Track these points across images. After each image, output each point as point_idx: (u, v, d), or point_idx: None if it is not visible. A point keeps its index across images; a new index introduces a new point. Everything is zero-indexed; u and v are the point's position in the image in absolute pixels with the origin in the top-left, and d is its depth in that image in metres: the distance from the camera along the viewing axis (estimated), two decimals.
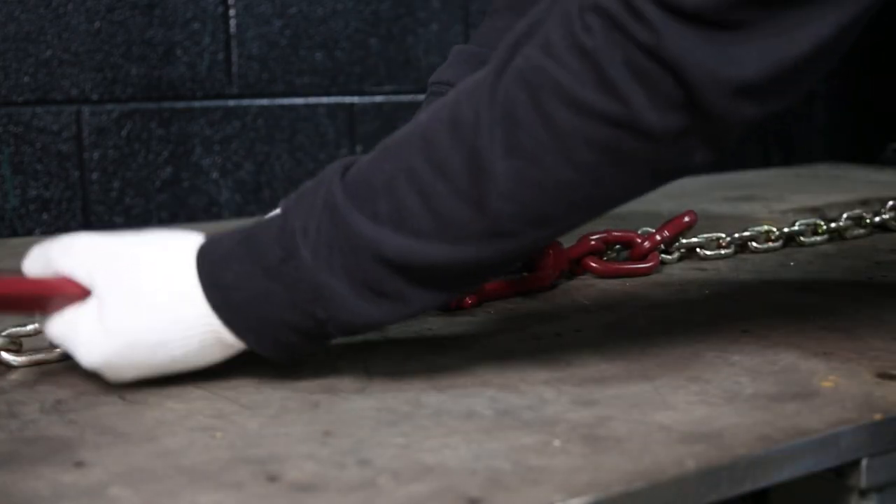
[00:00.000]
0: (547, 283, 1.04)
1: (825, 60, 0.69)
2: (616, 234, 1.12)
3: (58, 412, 0.71)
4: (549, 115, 0.68)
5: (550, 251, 1.05)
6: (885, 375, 0.77)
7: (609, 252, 1.13)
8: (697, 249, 1.19)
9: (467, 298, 0.97)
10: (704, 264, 1.18)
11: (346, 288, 0.71)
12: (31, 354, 0.81)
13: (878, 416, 0.70)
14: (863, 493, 0.71)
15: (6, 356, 0.80)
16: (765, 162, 2.27)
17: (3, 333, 0.81)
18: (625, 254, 1.14)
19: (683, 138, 0.68)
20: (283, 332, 0.73)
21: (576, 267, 1.09)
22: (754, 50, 0.66)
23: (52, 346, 0.81)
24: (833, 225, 1.30)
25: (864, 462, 0.70)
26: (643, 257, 1.12)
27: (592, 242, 1.10)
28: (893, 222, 1.36)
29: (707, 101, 0.66)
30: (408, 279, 0.72)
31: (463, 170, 0.69)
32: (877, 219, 1.34)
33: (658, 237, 1.13)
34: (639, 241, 1.12)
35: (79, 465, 0.62)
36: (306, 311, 0.72)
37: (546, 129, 0.68)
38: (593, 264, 1.09)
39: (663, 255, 1.15)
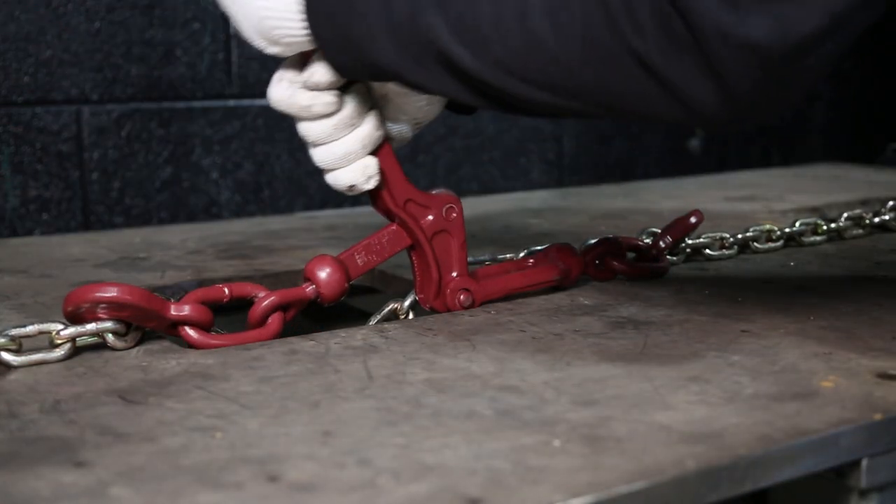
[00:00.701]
0: (552, 280, 1.03)
1: (835, 40, 0.70)
2: (633, 240, 1.12)
3: (58, 412, 0.71)
4: (589, 11, 0.73)
5: (554, 250, 1.04)
6: (885, 375, 0.77)
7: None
8: (705, 250, 1.19)
9: (463, 292, 0.96)
10: (705, 264, 1.18)
11: (383, 18, 0.79)
12: (30, 354, 0.81)
13: (878, 416, 0.70)
14: (863, 494, 0.71)
15: (6, 356, 0.80)
16: (765, 162, 2.27)
17: (3, 333, 0.81)
18: (634, 254, 1.13)
19: (688, 82, 0.72)
20: (344, 37, 0.80)
21: (601, 268, 1.08)
22: (767, 16, 0.68)
23: (52, 345, 0.82)
24: (833, 225, 1.30)
25: (864, 462, 0.70)
26: (656, 258, 1.12)
27: (613, 243, 1.09)
28: (893, 222, 1.36)
29: (714, 52, 0.69)
30: (431, 53, 0.79)
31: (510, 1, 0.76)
32: (876, 219, 1.35)
33: (670, 238, 1.13)
34: (655, 243, 1.12)
35: (79, 465, 0.62)
36: (347, 18, 0.80)
37: (583, 15, 0.73)
38: (618, 265, 1.08)
39: (668, 256, 1.15)
